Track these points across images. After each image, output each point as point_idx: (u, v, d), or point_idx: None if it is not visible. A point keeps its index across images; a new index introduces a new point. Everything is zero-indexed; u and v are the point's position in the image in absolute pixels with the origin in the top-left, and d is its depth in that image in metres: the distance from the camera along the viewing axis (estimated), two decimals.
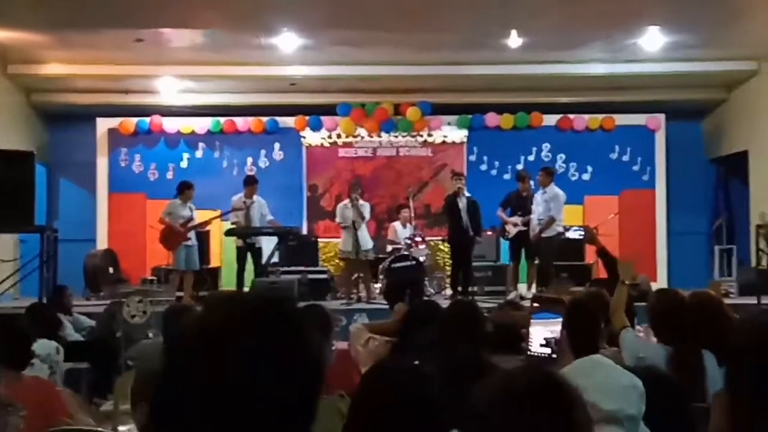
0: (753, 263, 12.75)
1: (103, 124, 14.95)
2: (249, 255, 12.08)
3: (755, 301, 10.50)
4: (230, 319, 1.28)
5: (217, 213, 12.51)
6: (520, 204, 12.06)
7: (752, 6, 10.88)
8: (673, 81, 14.08)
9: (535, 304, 4.42)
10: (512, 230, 12.03)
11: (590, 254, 13.73)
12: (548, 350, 4.15)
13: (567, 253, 12.47)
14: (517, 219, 11.97)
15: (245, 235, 12.02)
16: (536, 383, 1.57)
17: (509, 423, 1.51)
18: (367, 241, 12.25)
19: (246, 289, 11.33)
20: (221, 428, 1.23)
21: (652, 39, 12.17)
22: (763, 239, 12.18)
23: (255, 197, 12.25)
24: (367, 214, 12.26)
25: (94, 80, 13.79)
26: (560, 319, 4.00)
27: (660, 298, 4.71)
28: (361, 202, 12.20)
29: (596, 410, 2.53)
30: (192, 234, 11.96)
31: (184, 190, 12.06)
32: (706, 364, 4.20)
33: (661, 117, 15.20)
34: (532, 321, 4.32)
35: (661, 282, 14.05)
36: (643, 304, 5.15)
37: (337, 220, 12.46)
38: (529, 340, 4.24)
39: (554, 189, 11.80)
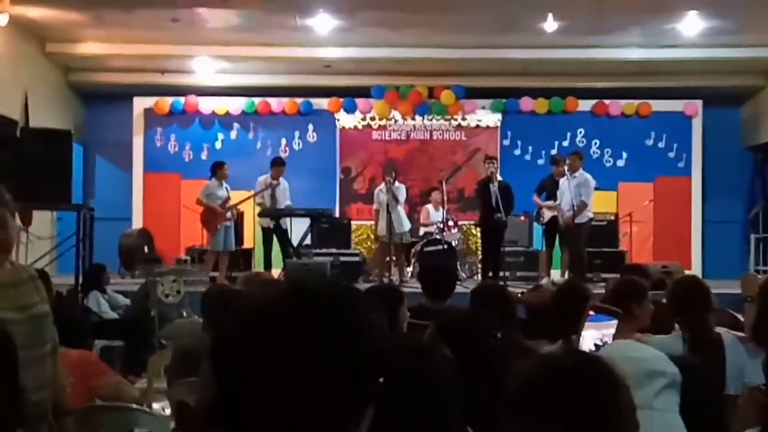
0: None
1: (140, 104, 15.06)
2: (275, 236, 12.06)
3: None
4: (290, 311, 1.20)
5: (252, 193, 12.53)
6: (555, 188, 11.91)
7: None
8: (711, 67, 13.89)
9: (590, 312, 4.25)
10: (547, 215, 11.93)
11: (624, 240, 13.65)
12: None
13: (600, 239, 12.36)
14: (553, 203, 11.85)
15: (278, 216, 12.02)
16: (581, 363, 1.56)
17: (551, 403, 1.49)
18: (403, 224, 12.22)
19: (276, 270, 11.36)
20: (271, 424, 1.17)
21: (691, 24, 12.02)
22: None
23: (281, 179, 12.26)
24: (401, 197, 12.24)
25: (131, 60, 13.88)
26: (614, 322, 3.92)
27: (680, 284, 4.56)
28: (396, 184, 12.18)
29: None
30: (230, 214, 12.00)
31: (217, 170, 12.07)
32: (726, 347, 4.02)
33: (699, 103, 15.01)
34: (585, 323, 4.13)
35: (696, 270, 13.93)
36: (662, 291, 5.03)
37: (374, 205, 12.53)
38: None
39: (584, 174, 11.65)
